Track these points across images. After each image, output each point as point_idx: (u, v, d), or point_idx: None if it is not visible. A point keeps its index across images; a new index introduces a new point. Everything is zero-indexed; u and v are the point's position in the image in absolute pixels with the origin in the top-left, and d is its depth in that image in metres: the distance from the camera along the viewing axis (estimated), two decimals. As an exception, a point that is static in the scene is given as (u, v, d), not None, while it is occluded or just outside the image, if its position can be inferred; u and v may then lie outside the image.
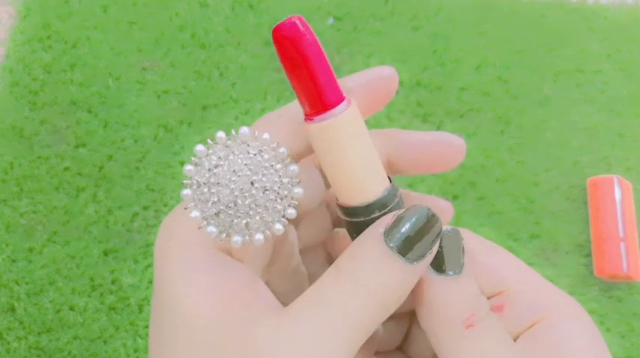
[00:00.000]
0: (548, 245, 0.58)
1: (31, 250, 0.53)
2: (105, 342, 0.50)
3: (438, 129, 0.62)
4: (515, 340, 0.18)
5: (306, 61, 0.16)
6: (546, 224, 0.59)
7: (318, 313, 0.17)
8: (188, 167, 0.17)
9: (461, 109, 0.63)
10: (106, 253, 0.54)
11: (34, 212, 0.55)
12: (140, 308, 0.52)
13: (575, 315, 0.18)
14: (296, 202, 0.17)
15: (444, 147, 0.20)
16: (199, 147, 0.17)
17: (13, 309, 0.51)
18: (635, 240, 0.56)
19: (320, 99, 0.17)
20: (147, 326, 0.51)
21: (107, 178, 0.57)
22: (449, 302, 0.18)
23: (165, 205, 0.56)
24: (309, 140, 0.18)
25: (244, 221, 0.17)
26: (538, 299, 0.18)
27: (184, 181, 0.17)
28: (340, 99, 0.17)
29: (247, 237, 0.17)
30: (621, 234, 0.56)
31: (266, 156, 0.17)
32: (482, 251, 0.19)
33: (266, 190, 0.17)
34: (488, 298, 0.19)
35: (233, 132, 0.17)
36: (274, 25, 0.16)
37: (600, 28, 0.69)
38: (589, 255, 0.57)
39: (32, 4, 0.64)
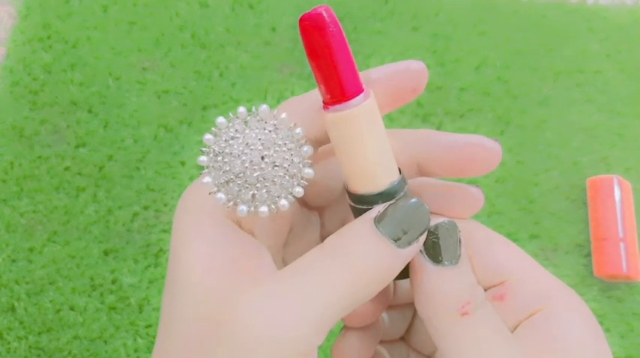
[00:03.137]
0: (547, 245, 0.58)
1: (31, 250, 0.53)
2: (105, 342, 0.50)
3: (438, 129, 0.62)
4: (515, 329, 0.19)
5: (329, 51, 0.17)
6: (546, 224, 0.59)
7: (294, 284, 0.17)
8: (207, 136, 0.18)
9: (461, 109, 0.63)
10: (106, 253, 0.54)
11: (34, 212, 0.55)
12: (140, 308, 0.52)
13: (574, 306, 0.19)
14: (305, 182, 0.18)
15: (480, 149, 0.19)
16: (220, 119, 0.18)
17: (13, 309, 0.51)
18: (634, 240, 0.56)
19: (339, 89, 0.17)
20: (147, 326, 0.51)
21: (107, 178, 0.57)
22: (445, 291, 0.18)
23: (165, 205, 0.56)
24: (325, 127, 0.18)
25: (251, 192, 0.18)
26: (538, 289, 0.19)
27: (203, 149, 0.18)
28: (359, 90, 0.17)
29: (252, 208, 0.18)
30: (621, 235, 0.56)
31: (280, 134, 0.18)
32: (485, 241, 0.20)
33: (275, 166, 0.18)
34: (490, 287, 0.19)
35: (254, 108, 0.18)
36: (302, 14, 0.17)
37: (600, 28, 0.69)
38: (589, 255, 0.57)
39: (32, 3, 0.64)
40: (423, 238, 0.18)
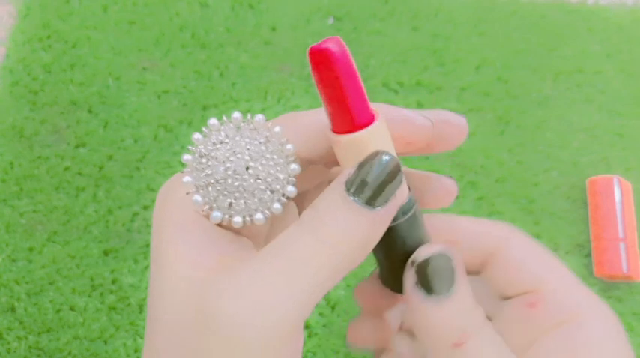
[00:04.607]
0: (547, 245, 0.58)
1: (31, 250, 0.53)
2: (105, 342, 0.50)
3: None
4: (541, 337, 0.18)
5: (339, 85, 0.16)
6: (546, 224, 0.59)
7: (271, 265, 0.17)
8: (197, 135, 0.17)
9: (461, 109, 0.63)
10: (106, 253, 0.54)
11: (34, 212, 0.55)
12: (140, 308, 0.52)
13: (604, 320, 0.18)
14: (284, 199, 0.18)
15: (444, 127, 0.19)
16: (212, 121, 0.17)
17: (13, 309, 0.51)
18: (634, 240, 0.56)
19: (349, 120, 0.17)
20: (147, 326, 0.51)
21: (107, 178, 0.57)
22: (437, 325, 0.18)
23: (165, 205, 0.56)
24: (333, 149, 0.18)
25: (229, 200, 0.17)
26: (570, 301, 0.19)
27: (189, 147, 0.17)
28: (369, 121, 0.17)
29: (227, 216, 0.17)
30: (621, 235, 0.56)
31: (270, 148, 0.17)
32: (522, 248, 0.20)
33: (258, 179, 0.17)
34: (523, 294, 0.19)
35: (249, 116, 0.17)
36: (311, 46, 0.16)
37: (600, 28, 0.69)
38: (589, 255, 0.57)
39: (32, 3, 0.64)
40: (400, 194, 0.17)
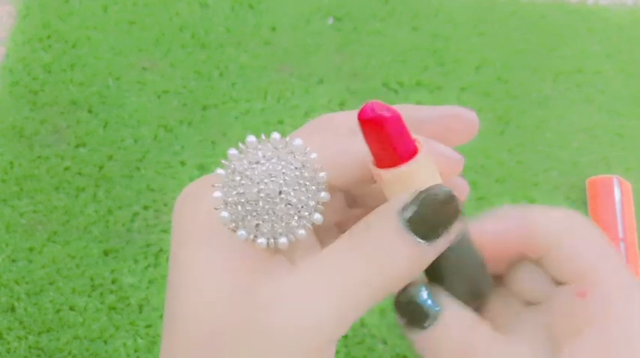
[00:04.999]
0: (547, 245, 0.58)
1: (31, 250, 0.53)
2: (105, 342, 0.50)
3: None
4: (585, 329, 0.19)
5: (389, 141, 0.17)
6: (546, 224, 0.59)
7: (318, 278, 0.17)
8: (233, 151, 0.17)
9: (461, 109, 0.63)
10: (106, 253, 0.54)
11: (34, 212, 0.55)
12: (140, 308, 0.52)
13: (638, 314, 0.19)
14: (310, 226, 0.18)
15: (454, 121, 0.19)
16: (251, 138, 0.17)
17: (13, 309, 0.51)
18: (634, 240, 0.56)
19: (396, 158, 0.17)
20: (147, 326, 0.51)
21: (107, 178, 0.57)
22: (438, 348, 0.18)
23: (165, 205, 0.56)
24: (377, 182, 0.18)
25: (256, 221, 0.17)
26: (613, 294, 0.19)
27: (223, 161, 0.17)
28: (414, 152, 0.17)
29: (252, 236, 0.18)
30: (621, 235, 0.56)
31: (305, 174, 0.17)
32: (581, 236, 0.19)
33: (289, 204, 0.17)
34: (573, 282, 0.19)
35: (287, 139, 0.18)
36: (361, 113, 0.17)
37: (600, 28, 0.69)
38: (589, 255, 0.57)
39: (32, 3, 0.64)
40: (454, 229, 0.17)
